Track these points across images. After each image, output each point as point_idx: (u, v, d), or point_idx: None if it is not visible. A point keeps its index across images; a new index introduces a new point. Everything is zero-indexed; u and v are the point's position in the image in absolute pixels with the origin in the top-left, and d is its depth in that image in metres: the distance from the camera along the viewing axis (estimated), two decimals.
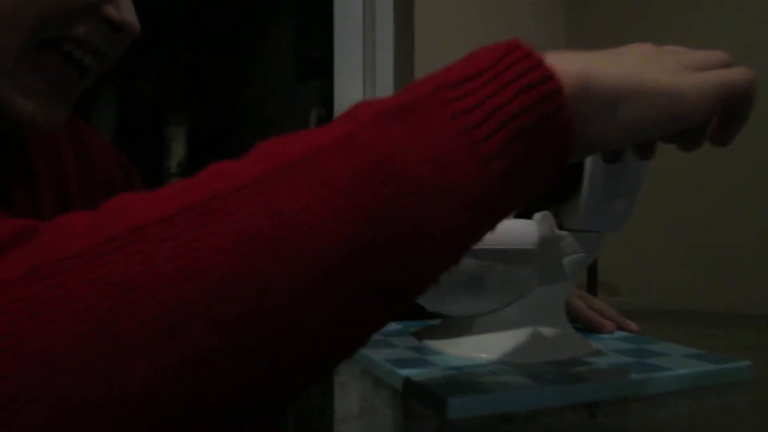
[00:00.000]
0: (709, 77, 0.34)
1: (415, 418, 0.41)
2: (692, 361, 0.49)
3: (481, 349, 0.50)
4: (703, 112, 0.33)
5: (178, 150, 3.32)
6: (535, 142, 0.27)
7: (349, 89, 1.78)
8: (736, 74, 0.35)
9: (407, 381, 0.44)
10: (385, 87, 1.79)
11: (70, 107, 0.46)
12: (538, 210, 0.52)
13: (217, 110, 3.09)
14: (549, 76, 0.27)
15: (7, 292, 0.21)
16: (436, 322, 0.60)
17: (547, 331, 0.52)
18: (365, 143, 0.25)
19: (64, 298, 0.21)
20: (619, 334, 0.62)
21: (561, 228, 0.52)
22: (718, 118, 0.37)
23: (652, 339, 0.59)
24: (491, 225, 0.28)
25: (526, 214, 0.54)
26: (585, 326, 0.66)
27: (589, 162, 0.48)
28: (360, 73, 1.81)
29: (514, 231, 0.50)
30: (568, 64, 0.29)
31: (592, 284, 1.72)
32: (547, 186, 0.29)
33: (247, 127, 2.93)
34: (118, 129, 3.03)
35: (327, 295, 0.23)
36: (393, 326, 0.64)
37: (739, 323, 0.84)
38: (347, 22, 1.80)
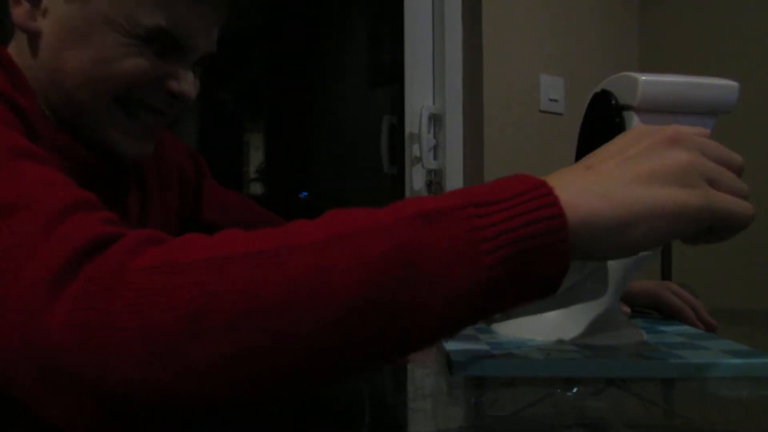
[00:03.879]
0: (715, 199, 0.38)
1: (484, 396, 0.46)
2: (723, 354, 0.51)
3: (524, 330, 0.57)
4: (698, 226, 0.38)
5: (256, 156, 3.47)
6: (530, 264, 0.34)
7: (418, 97, 1.83)
8: (741, 208, 0.39)
9: (443, 351, 0.53)
10: (454, 95, 1.83)
11: (153, 143, 0.61)
12: None
13: (293, 117, 3.21)
14: (558, 214, 0.34)
15: (145, 273, 0.32)
16: None
17: (591, 318, 0.56)
18: (397, 235, 0.33)
19: (173, 286, 0.31)
20: (688, 330, 0.65)
21: None
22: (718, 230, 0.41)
23: (712, 336, 0.61)
24: (476, 319, 0.35)
25: None
26: (670, 317, 0.73)
27: None
28: (429, 81, 1.86)
29: None
30: (579, 200, 0.35)
31: None
32: (536, 299, 0.36)
33: (321, 134, 3.03)
34: (201, 137, 3.20)
35: (339, 334, 0.32)
36: None
37: None
38: (417, 31, 1.85)
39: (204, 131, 3.22)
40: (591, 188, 0.36)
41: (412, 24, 1.84)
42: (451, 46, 1.83)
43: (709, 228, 0.39)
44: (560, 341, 0.55)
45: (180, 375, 0.30)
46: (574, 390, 0.46)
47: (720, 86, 0.51)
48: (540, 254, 0.34)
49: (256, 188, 3.45)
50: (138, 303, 0.31)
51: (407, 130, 1.83)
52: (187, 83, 0.58)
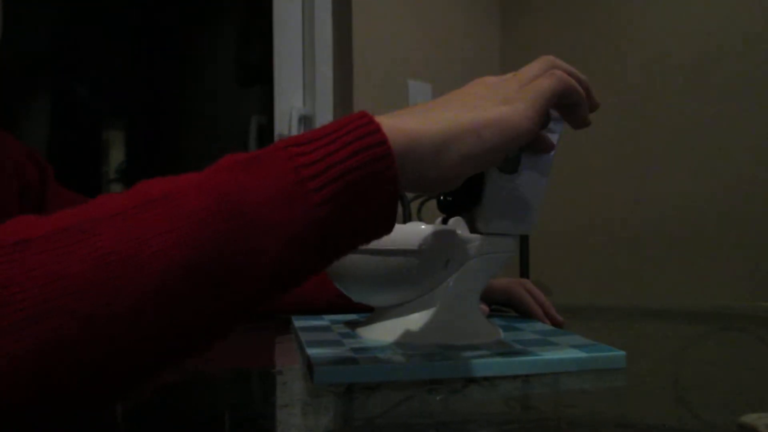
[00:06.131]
0: (525, 96, 0.42)
1: (353, 404, 0.46)
2: (572, 349, 0.55)
3: (387, 333, 0.58)
4: (530, 125, 0.41)
5: (116, 155, 3.27)
6: (361, 194, 0.33)
7: (288, 97, 1.81)
8: (546, 81, 0.43)
9: (307, 358, 0.52)
10: (325, 95, 1.83)
11: None
12: (452, 216, 0.58)
13: (157, 115, 3.06)
14: (381, 141, 0.34)
15: None
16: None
17: (452, 319, 0.58)
18: (215, 186, 0.31)
19: None
20: (541, 326, 0.68)
21: (473, 231, 0.58)
22: (561, 112, 0.46)
23: (563, 332, 0.65)
24: (318, 263, 0.34)
25: (443, 220, 0.60)
26: (524, 314, 0.77)
27: (488, 173, 0.55)
28: (299, 81, 1.84)
29: (426, 234, 0.55)
30: (401, 124, 0.36)
31: None
32: (376, 234, 0.36)
33: (188, 132, 2.91)
34: (53, 133, 2.97)
35: (165, 304, 0.29)
36: (352, 316, 0.72)
37: (648, 317, 0.93)
38: (286, 30, 1.82)
39: (56, 126, 2.99)
40: (412, 113, 0.38)
41: (281, 23, 1.81)
42: (320, 47, 1.82)
43: (562, 112, 0.44)
44: (422, 343, 0.56)
45: None
46: (436, 390, 0.47)
47: None
48: (368, 183, 0.33)
49: (117, 189, 3.25)
50: None
51: (276, 130, 1.80)
52: None
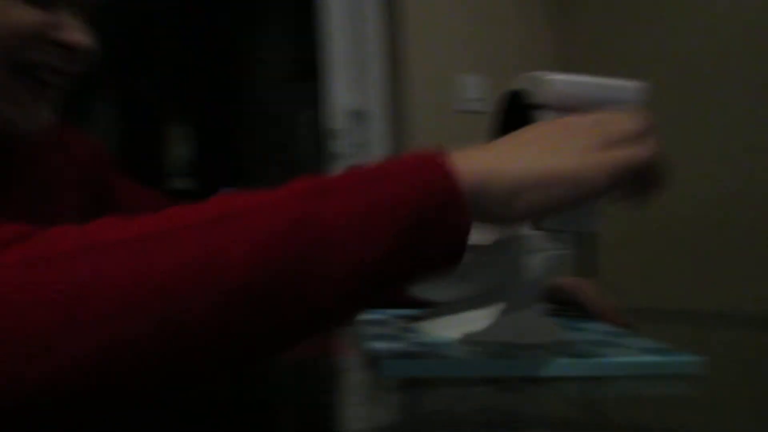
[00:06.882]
0: (608, 158, 0.39)
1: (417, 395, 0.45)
2: (642, 352, 0.52)
3: (447, 329, 0.57)
4: (601, 188, 0.39)
5: (178, 150, 3.36)
6: (431, 233, 0.34)
7: (337, 92, 1.81)
8: (637, 154, 0.40)
9: (369, 351, 0.52)
10: (376, 91, 1.82)
11: (51, 113, 0.55)
12: None
13: (215, 110, 3.14)
14: (453, 186, 0.35)
15: (10, 269, 0.29)
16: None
17: (514, 316, 0.56)
18: (290, 208, 0.32)
19: (43, 279, 0.29)
20: (608, 328, 0.66)
21: (535, 228, 0.56)
22: (630, 185, 0.43)
23: (631, 334, 0.62)
24: (379, 293, 0.35)
25: None
26: (589, 315, 0.74)
27: None
28: (354, 77, 1.84)
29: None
30: (474, 165, 0.37)
31: None
32: (440, 271, 0.37)
33: (246, 127, 2.97)
34: (118, 130, 3.07)
35: (241, 307, 0.30)
36: (406, 311, 0.71)
37: (730, 323, 0.89)
38: (334, 26, 1.83)
39: (121, 123, 3.10)
40: (487, 154, 0.38)
41: (331, 19, 1.82)
42: (371, 42, 1.82)
43: (631, 185, 0.42)
44: (484, 341, 0.55)
45: (56, 371, 0.28)
46: (497, 388, 0.46)
47: (624, 87, 0.52)
48: (439, 223, 0.34)
49: (179, 183, 3.35)
50: (5, 300, 0.28)
51: (331, 126, 1.81)
52: (76, 31, 0.52)
